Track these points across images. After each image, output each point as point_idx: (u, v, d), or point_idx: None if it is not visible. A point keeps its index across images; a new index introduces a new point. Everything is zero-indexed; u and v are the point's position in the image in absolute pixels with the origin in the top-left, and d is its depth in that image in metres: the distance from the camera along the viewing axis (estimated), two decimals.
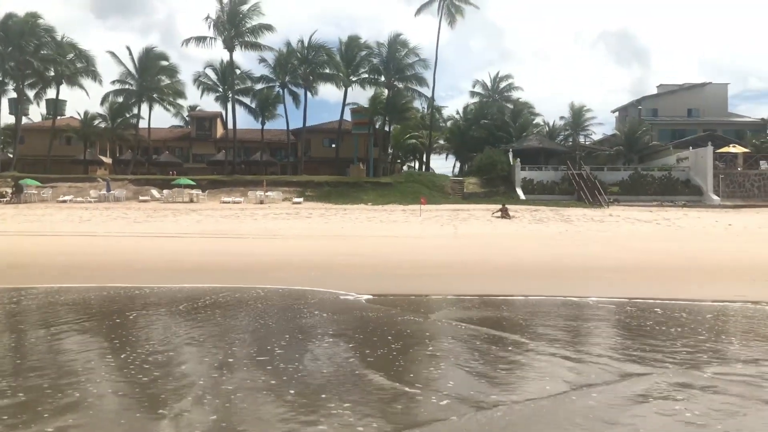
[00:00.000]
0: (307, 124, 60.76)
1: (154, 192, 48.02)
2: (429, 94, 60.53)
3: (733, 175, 50.14)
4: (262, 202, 45.32)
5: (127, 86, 61.10)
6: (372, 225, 33.03)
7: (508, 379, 7.85)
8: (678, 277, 17.04)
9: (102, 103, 62.02)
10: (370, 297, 13.76)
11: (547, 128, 70.83)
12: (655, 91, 73.25)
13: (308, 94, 59.78)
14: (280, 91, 60.94)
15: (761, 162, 51.66)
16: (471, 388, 7.31)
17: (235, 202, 45.29)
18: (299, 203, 45.00)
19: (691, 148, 53.29)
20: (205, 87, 61.86)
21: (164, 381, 7.55)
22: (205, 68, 62.45)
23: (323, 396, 6.97)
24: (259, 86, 61.91)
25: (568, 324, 11.31)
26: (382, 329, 10.53)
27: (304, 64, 58.54)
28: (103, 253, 21.81)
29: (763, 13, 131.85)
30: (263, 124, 62.48)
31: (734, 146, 52.76)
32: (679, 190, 49.68)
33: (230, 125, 59.80)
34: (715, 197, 47.62)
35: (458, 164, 73.25)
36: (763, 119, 66.05)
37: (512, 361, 8.72)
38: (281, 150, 67.02)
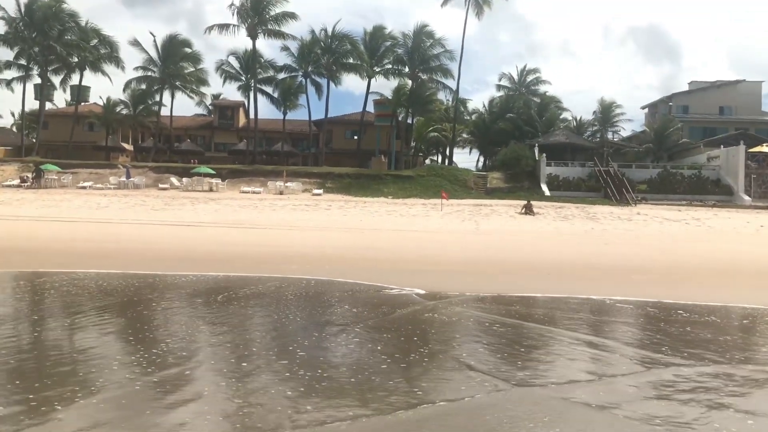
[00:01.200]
0: (329, 115, 60.17)
1: (174, 180, 47.73)
2: (454, 87, 59.63)
3: (766, 175, 48.66)
4: (281, 193, 44.81)
5: (149, 73, 60.96)
6: (391, 219, 32.33)
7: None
8: (711, 281, 16.11)
9: (124, 90, 61.98)
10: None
11: (575, 123, 69.32)
12: (686, 88, 71.50)
13: (331, 84, 59.21)
14: (303, 80, 60.33)
15: None
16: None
17: (254, 192, 44.82)
18: (319, 195, 44.41)
19: (722, 146, 51.79)
20: (228, 75, 61.38)
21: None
22: (228, 56, 62.03)
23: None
24: (281, 75, 61.41)
25: (591, 324, 10.54)
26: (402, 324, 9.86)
27: (327, 54, 57.86)
28: (115, 241, 21.36)
29: None
30: (285, 114, 61.90)
31: (767, 146, 51.18)
32: (709, 190, 48.32)
33: (252, 115, 59.36)
34: (746, 197, 46.22)
35: (482, 159, 72.18)
36: None
37: (533, 356, 7.99)
38: (303, 141, 66.48)
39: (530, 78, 70.71)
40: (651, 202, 45.28)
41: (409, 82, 58.34)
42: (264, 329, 9.91)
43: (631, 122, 71.46)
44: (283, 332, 9.66)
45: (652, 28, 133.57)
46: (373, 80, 59.58)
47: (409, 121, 61.92)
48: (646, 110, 75.05)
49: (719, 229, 32.11)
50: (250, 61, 58.90)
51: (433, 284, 14.28)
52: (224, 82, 62.00)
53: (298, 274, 15.28)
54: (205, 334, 9.38)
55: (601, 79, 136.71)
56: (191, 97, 64.12)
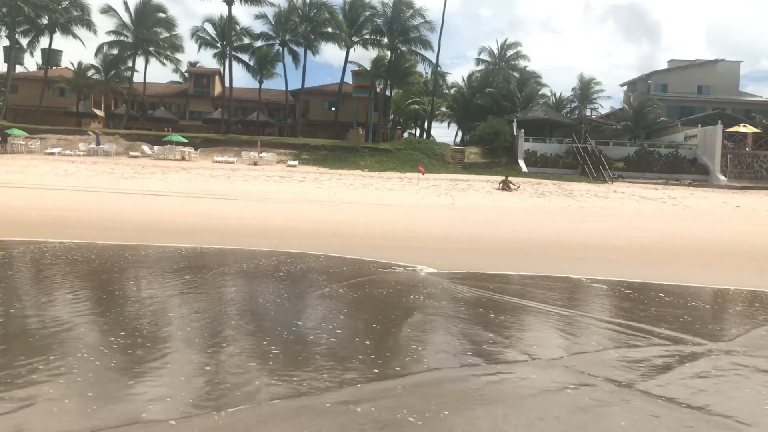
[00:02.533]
0: (306, 86, 59.10)
1: (145, 148, 46.58)
2: (433, 59, 58.84)
3: (742, 155, 48.71)
4: (255, 164, 43.97)
5: (122, 38, 59.15)
6: (367, 192, 31.78)
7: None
8: (691, 261, 15.79)
9: (96, 55, 60.11)
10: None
11: (554, 99, 68.90)
12: (665, 66, 71.28)
13: (309, 54, 58.13)
14: (280, 49, 59.08)
15: None
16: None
17: (227, 162, 43.91)
18: (294, 166, 43.62)
19: (700, 126, 51.71)
20: (203, 42, 59.85)
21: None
22: (204, 23, 60.44)
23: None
24: (258, 44, 60.06)
25: (567, 303, 10.11)
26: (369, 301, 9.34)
27: (305, 22, 56.64)
28: (76, 209, 20.53)
29: None
30: (261, 83, 60.75)
31: (744, 126, 51.16)
32: (686, 169, 48.29)
33: (228, 83, 58.05)
34: (722, 177, 46.27)
35: (460, 133, 71.56)
36: None
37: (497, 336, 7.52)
38: (279, 111, 65.31)
39: (510, 53, 69.98)
40: (628, 180, 45.16)
41: (389, 53, 57.41)
42: (217, 304, 9.32)
43: (610, 100, 71.74)
44: (241, 306, 9.10)
45: (632, 7, 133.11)
46: (351, 51, 58.69)
47: (388, 93, 61.03)
48: (625, 88, 74.77)
49: (696, 208, 32.06)
50: (226, 27, 57.47)
51: (407, 259, 13.78)
52: (199, 48, 60.68)
53: (265, 247, 14.69)
54: (156, 308, 8.77)
55: (581, 56, 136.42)
56: (164, 64, 62.54)
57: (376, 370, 6.48)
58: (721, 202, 35.01)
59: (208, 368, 6.32)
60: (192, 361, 6.53)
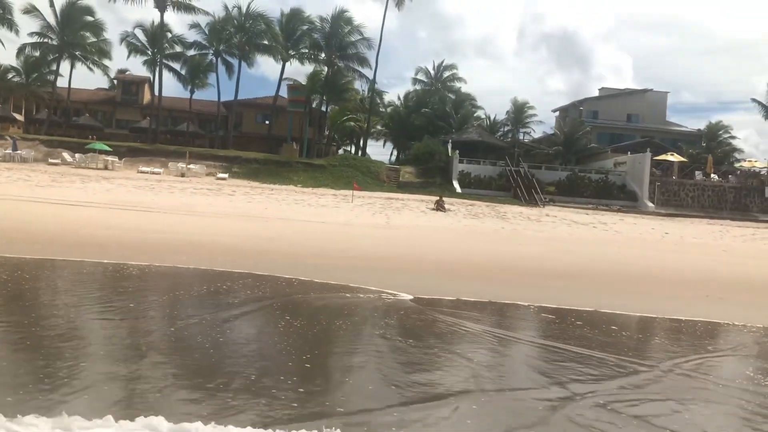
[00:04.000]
0: (240, 98, 57.68)
1: (66, 155, 44.18)
2: (371, 76, 58.32)
3: (669, 183, 50.01)
4: (183, 175, 42.27)
5: (46, 40, 56.37)
6: (299, 208, 30.79)
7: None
8: (628, 288, 15.51)
9: (18, 56, 57.06)
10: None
11: (488, 122, 69.63)
12: (596, 94, 73.12)
13: (244, 66, 56.78)
14: (214, 59, 57.52)
15: (696, 173, 51.76)
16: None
17: (153, 173, 42.04)
18: (224, 179, 42.13)
19: (629, 153, 52.93)
20: (133, 48, 57.58)
21: None
22: (134, 28, 58.23)
23: None
24: (191, 52, 58.31)
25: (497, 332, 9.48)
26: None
27: (240, 33, 55.31)
28: None
29: (692, 31, 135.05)
30: (192, 92, 58.94)
31: (672, 154, 52.66)
32: (615, 195, 49.18)
33: (157, 91, 56.02)
34: (650, 204, 47.29)
35: (396, 152, 71.38)
36: (699, 130, 66.64)
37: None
38: (211, 122, 63.40)
39: (447, 74, 70.32)
40: (559, 203, 45.55)
41: (325, 68, 56.67)
42: (122, 329, 8.27)
43: (542, 124, 72.45)
44: (147, 332, 8.07)
45: (564, 36, 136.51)
46: (288, 65, 57.62)
47: (324, 108, 60.21)
48: (557, 113, 76.21)
49: (627, 234, 32.38)
50: (158, 34, 55.51)
51: (340, 278, 12.96)
52: (129, 55, 58.21)
53: (187, 264, 13.60)
54: (52, 333, 7.65)
55: (515, 81, 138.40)
56: (91, 69, 59.81)
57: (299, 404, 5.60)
58: (650, 228, 35.57)
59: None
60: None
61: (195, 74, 57.73)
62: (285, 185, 41.57)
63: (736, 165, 58.29)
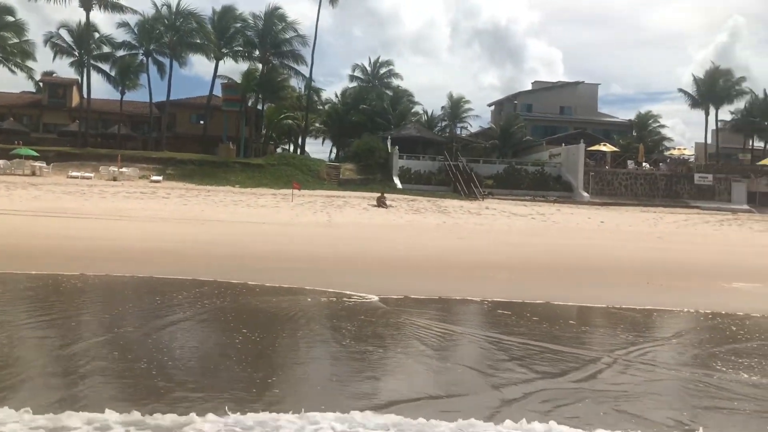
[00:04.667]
0: (173, 98, 56.23)
1: None
2: (307, 74, 57.81)
3: (603, 173, 51.19)
4: (115, 179, 40.93)
5: None
6: (238, 209, 30.18)
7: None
8: (567, 278, 15.63)
9: None
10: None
11: (426, 117, 69.91)
12: (530, 88, 74.33)
13: (176, 65, 55.50)
14: (144, 59, 55.92)
15: (628, 162, 53.15)
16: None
17: (84, 178, 40.54)
18: (158, 182, 40.97)
19: (563, 144, 53.96)
20: (59, 49, 55.37)
21: None
22: (59, 29, 56.04)
23: None
24: (120, 53, 56.51)
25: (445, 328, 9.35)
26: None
27: (171, 32, 53.92)
28: None
29: (620, 25, 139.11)
30: (123, 94, 57.08)
31: (604, 145, 53.95)
32: (551, 186, 50.06)
33: (86, 94, 54.06)
34: (585, 194, 48.31)
35: (335, 150, 70.95)
36: (630, 120, 68.57)
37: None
38: (143, 124, 61.52)
39: (383, 71, 70.27)
40: (498, 196, 46.02)
41: (260, 66, 55.84)
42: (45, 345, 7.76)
43: (479, 119, 73.27)
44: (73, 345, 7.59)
45: (495, 32, 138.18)
46: (221, 63, 56.61)
47: (260, 107, 59.31)
48: (493, 108, 77.24)
49: (564, 224, 32.95)
50: (84, 35, 53.56)
51: (279, 280, 12.62)
52: (55, 56, 55.98)
53: (119, 272, 13.00)
54: None
55: (451, 76, 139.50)
56: (14, 72, 57.28)
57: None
58: (586, 218, 36.31)
59: None
60: None
61: (125, 75, 55.90)
62: (222, 186, 40.75)
63: (666, 153, 60.21)
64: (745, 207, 48.66)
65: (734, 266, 19.10)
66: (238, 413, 5.36)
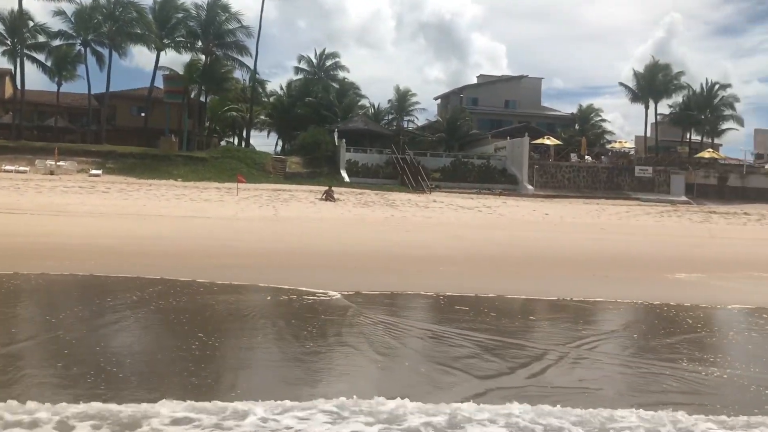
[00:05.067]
0: (114, 89, 54.59)
1: None
2: (251, 65, 56.88)
3: (546, 166, 51.96)
4: (52, 173, 39.53)
5: None
6: (180, 203, 29.44)
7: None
8: (517, 270, 15.71)
9: None
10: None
11: (373, 110, 69.71)
12: (475, 81, 74.88)
13: (115, 55, 53.80)
14: (82, 49, 54.07)
15: (571, 155, 54.10)
16: None
17: (18, 172, 39.01)
18: (97, 176, 39.75)
19: (508, 138, 54.55)
20: None
21: None
22: None
23: None
24: (56, 42, 54.49)
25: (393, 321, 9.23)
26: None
27: (110, 21, 52.30)
28: None
29: (562, 19, 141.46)
30: (60, 85, 55.10)
31: (548, 138, 54.77)
32: (497, 179, 50.59)
33: (20, 85, 51.96)
34: (529, 187, 48.96)
35: (281, 143, 70.13)
36: (572, 114, 69.80)
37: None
38: (82, 116, 59.59)
39: (329, 63, 69.62)
40: (444, 189, 46.25)
41: (203, 57, 54.70)
42: None
43: (425, 112, 73.53)
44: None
45: (440, 26, 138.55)
46: (163, 54, 55.20)
47: (203, 99, 58.11)
48: (439, 101, 77.56)
49: (510, 216, 33.27)
50: (17, 22, 51.43)
51: (230, 278, 12.29)
52: None
53: (56, 269, 12.44)
54: None
55: (397, 69, 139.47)
56: None
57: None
58: (531, 210, 36.75)
59: None
60: None
61: (62, 65, 53.92)
62: (165, 180, 39.78)
63: (608, 146, 61.52)
64: (684, 198, 50.11)
65: (676, 257, 19.55)
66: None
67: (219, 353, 7.80)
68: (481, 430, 5.33)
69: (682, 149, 64.39)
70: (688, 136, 67.35)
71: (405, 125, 69.63)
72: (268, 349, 8.25)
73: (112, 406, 5.40)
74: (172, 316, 9.42)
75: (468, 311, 10.60)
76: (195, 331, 8.60)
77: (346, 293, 11.45)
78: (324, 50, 70.12)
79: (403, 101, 69.46)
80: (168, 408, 5.40)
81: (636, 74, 63.63)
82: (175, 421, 5.20)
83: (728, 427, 5.64)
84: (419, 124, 71.12)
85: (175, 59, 57.65)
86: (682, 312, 11.26)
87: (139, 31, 52.99)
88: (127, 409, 5.35)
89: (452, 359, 7.78)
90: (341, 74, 69.13)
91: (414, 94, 70.14)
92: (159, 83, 56.42)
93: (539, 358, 7.90)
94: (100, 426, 5.05)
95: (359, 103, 67.39)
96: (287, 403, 5.66)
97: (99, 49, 54.26)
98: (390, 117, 71.08)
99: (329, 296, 11.20)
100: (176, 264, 13.84)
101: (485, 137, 60.59)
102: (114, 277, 12.15)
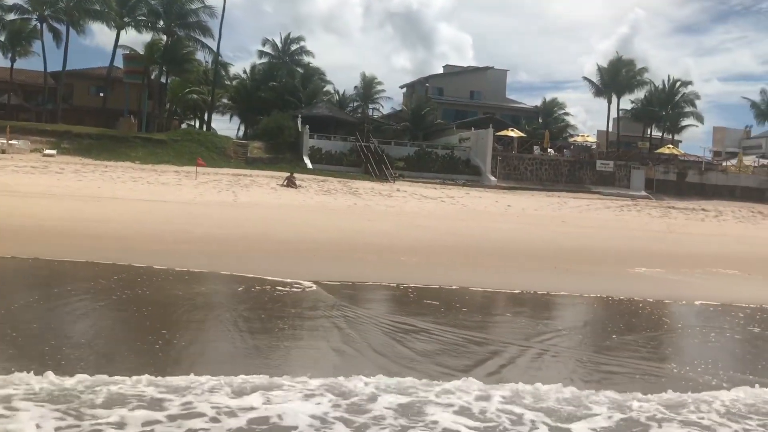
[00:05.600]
0: (72, 68, 53.05)
1: None
2: (214, 47, 55.73)
3: (510, 158, 52.03)
4: (3, 152, 38.10)
5: None
6: (137, 186, 28.70)
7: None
8: (480, 262, 15.57)
9: None
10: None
11: (338, 97, 69.00)
12: (441, 71, 74.68)
13: (73, 32, 52.26)
14: (38, 25, 52.33)
15: (534, 147, 54.29)
16: None
17: None
18: (52, 155, 38.50)
19: (473, 128, 54.50)
20: None
21: None
22: None
23: None
24: (11, 17, 52.63)
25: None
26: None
27: None
28: None
29: (528, 13, 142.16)
30: (14, 61, 53.30)
31: (512, 130, 54.89)
32: (460, 169, 50.47)
33: None
34: (492, 178, 48.99)
35: (243, 127, 68.97)
36: (536, 107, 70.11)
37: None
38: (37, 95, 57.87)
39: (294, 47, 68.66)
40: (408, 179, 45.98)
41: (165, 37, 53.40)
42: None
43: (391, 101, 73.18)
44: None
45: (407, 15, 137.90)
46: (123, 33, 53.59)
47: (164, 80, 56.79)
48: (405, 90, 77.16)
49: (473, 207, 33.22)
50: None
51: (175, 263, 11.86)
52: None
53: (2, 253, 11.87)
54: None
55: (363, 56, 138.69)
56: None
57: None
58: (494, 201, 36.78)
59: None
60: None
61: (16, 41, 52.12)
62: (122, 162, 38.77)
63: (570, 140, 61.90)
64: (643, 193, 50.69)
65: (635, 251, 19.68)
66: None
67: (172, 338, 7.43)
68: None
69: (642, 144, 65.17)
70: (649, 132, 68.17)
71: (370, 113, 69.13)
72: (219, 335, 7.91)
73: None
74: (122, 304, 9.01)
75: (434, 304, 10.40)
76: (148, 318, 8.20)
77: (306, 283, 11.14)
78: (289, 34, 69.26)
79: (368, 89, 68.85)
80: None
81: (600, 69, 64.08)
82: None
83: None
84: (384, 113, 70.73)
85: (135, 39, 56.49)
86: (645, 306, 11.22)
87: (98, 8, 51.49)
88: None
89: (414, 353, 7.54)
90: (306, 59, 68.30)
91: (380, 82, 69.63)
92: (119, 63, 55.01)
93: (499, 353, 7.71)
94: None
95: (324, 89, 66.64)
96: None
97: (56, 25, 52.75)
98: (355, 104, 70.46)
99: (289, 285, 10.87)
100: (130, 248, 13.35)
101: (450, 127, 60.44)
102: (60, 261, 11.63)
